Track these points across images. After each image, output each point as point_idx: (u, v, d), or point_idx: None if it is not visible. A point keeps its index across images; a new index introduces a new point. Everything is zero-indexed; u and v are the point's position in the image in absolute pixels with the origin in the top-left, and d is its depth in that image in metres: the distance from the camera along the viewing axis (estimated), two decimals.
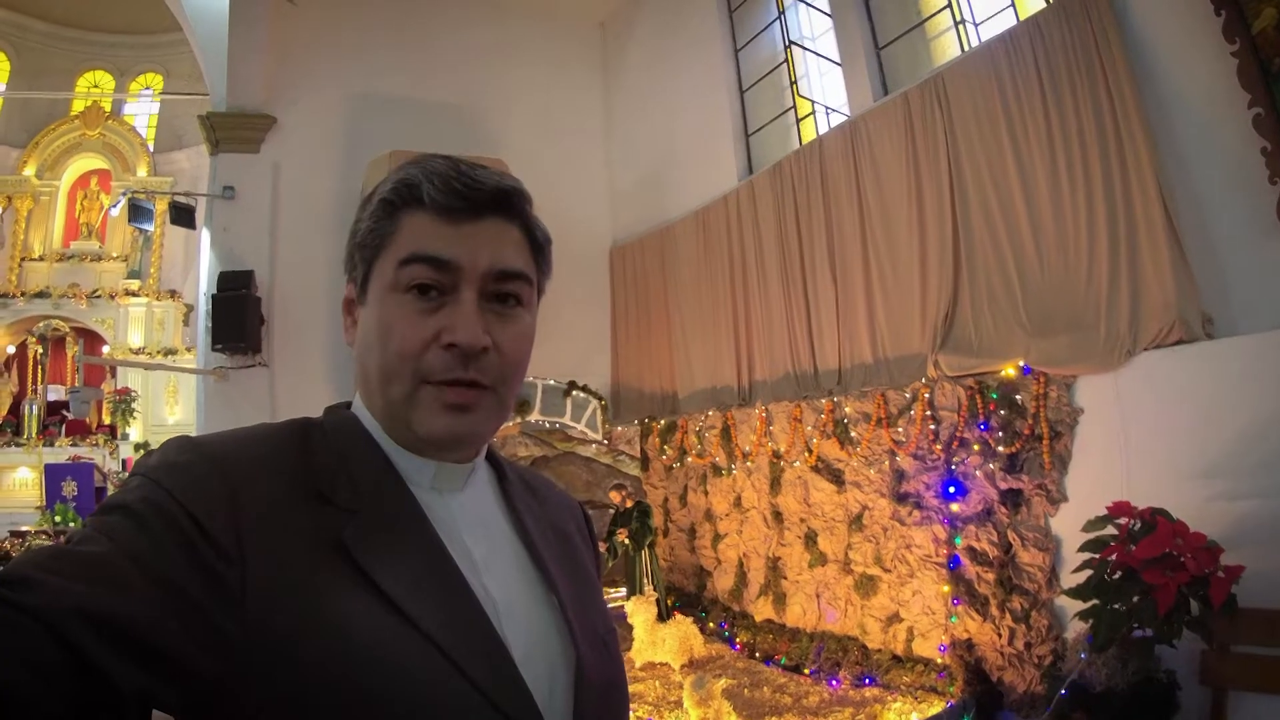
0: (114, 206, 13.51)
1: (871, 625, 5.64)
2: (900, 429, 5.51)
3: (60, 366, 13.83)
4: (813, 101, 6.81)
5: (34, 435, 12.99)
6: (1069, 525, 4.43)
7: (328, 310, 7.31)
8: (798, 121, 7.38)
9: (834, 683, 5.46)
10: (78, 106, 14.92)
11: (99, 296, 13.70)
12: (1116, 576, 3.74)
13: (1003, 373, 4.89)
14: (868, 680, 5.37)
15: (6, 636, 0.54)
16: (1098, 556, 3.81)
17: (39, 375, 13.86)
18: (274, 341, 7.40)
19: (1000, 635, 4.76)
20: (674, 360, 8.07)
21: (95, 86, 15.50)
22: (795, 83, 7.22)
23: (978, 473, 5.01)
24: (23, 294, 13.56)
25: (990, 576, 4.87)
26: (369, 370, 0.82)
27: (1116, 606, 3.68)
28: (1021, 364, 4.79)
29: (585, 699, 0.81)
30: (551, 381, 7.32)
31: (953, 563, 5.11)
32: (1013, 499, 4.84)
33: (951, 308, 5.32)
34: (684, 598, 7.43)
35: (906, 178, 5.61)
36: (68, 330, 13.85)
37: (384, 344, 0.80)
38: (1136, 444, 4.22)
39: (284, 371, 7.39)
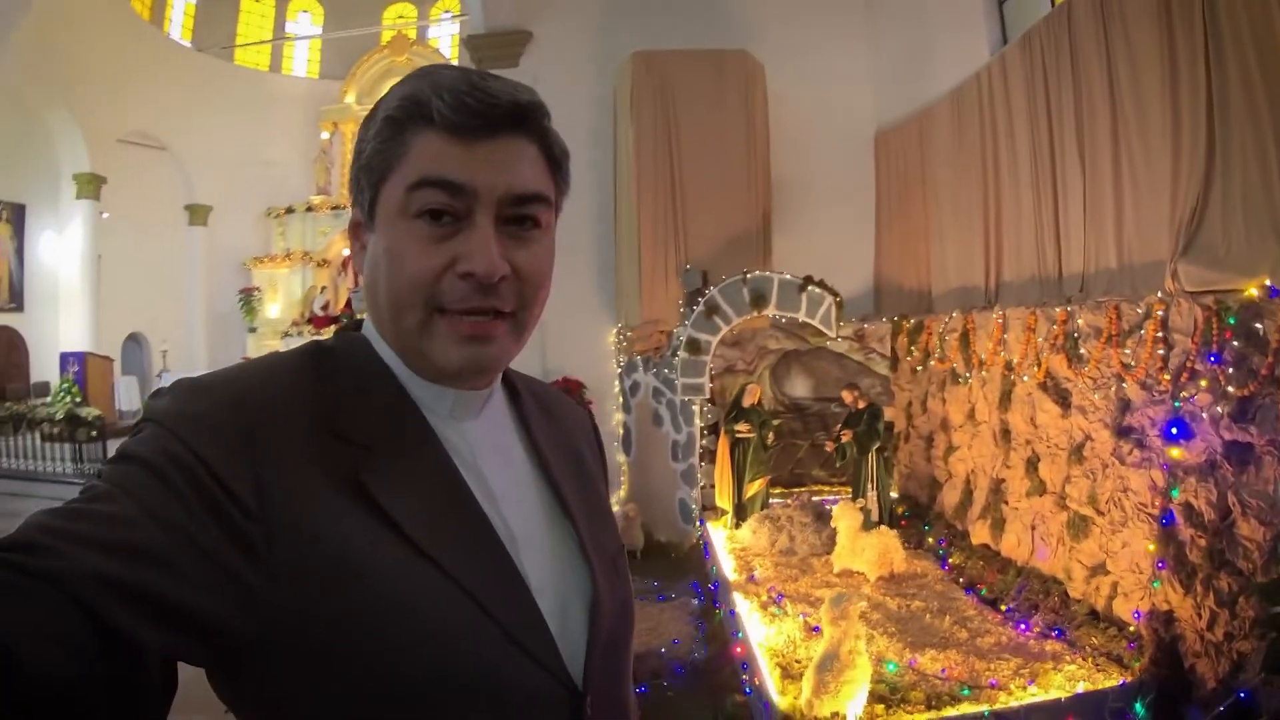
0: None
1: (1077, 571, 4.94)
2: (1129, 350, 4.55)
3: None
4: None
5: None
6: None
7: (590, 218, 7.74)
8: None
9: (1024, 626, 4.94)
10: (385, 38, 16.91)
11: None
12: None
13: (1245, 293, 3.78)
14: (1056, 633, 4.77)
15: (20, 604, 0.53)
16: None
17: None
18: None
19: (1201, 616, 3.91)
20: (930, 255, 7.33)
21: (400, 18, 17.70)
22: None
23: (1204, 415, 4.02)
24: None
25: (1203, 543, 3.97)
26: (379, 299, 0.79)
27: None
28: (1268, 283, 3.65)
29: (600, 627, 0.81)
30: (787, 276, 7.14)
31: (1165, 519, 4.24)
32: (1239, 454, 3.83)
33: (1200, 206, 4.15)
34: (915, 508, 7.06)
35: (1160, 42, 4.34)
36: None
37: (394, 273, 0.76)
38: None
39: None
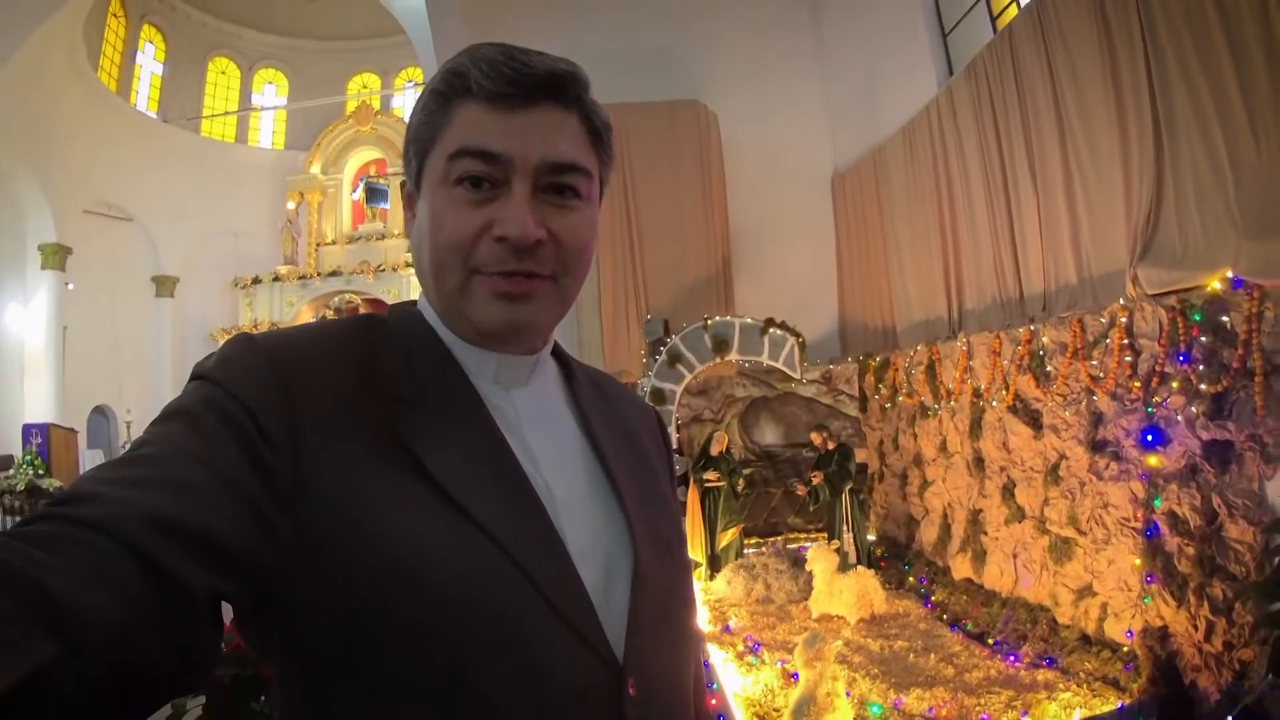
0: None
1: (1063, 596, 4.73)
2: (1096, 361, 4.46)
3: None
4: None
5: None
6: None
7: None
8: (993, 18, 6.14)
9: (1013, 658, 4.70)
10: (350, 107, 16.96)
11: (384, 270, 15.69)
12: None
13: (1208, 288, 3.71)
14: (1047, 661, 4.53)
15: (70, 552, 0.54)
16: None
17: None
18: None
19: (1197, 628, 3.71)
20: (892, 291, 7.30)
21: (364, 88, 17.88)
22: None
23: (1179, 417, 3.90)
24: (319, 274, 15.99)
25: (1191, 551, 3.80)
26: (423, 262, 0.80)
27: None
28: (1230, 275, 3.59)
29: (642, 600, 0.77)
30: (748, 320, 7.03)
31: (1150, 530, 4.07)
32: (1220, 453, 3.71)
33: (1154, 207, 4.13)
34: (893, 548, 6.83)
35: (1100, 55, 4.40)
36: (359, 301, 16.10)
37: (434, 236, 0.77)
38: None
39: None
